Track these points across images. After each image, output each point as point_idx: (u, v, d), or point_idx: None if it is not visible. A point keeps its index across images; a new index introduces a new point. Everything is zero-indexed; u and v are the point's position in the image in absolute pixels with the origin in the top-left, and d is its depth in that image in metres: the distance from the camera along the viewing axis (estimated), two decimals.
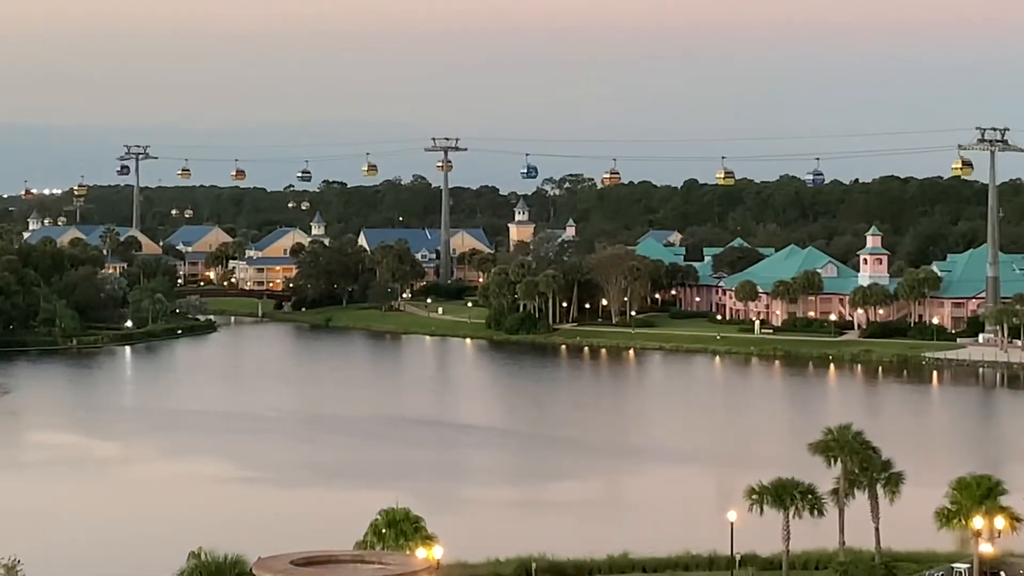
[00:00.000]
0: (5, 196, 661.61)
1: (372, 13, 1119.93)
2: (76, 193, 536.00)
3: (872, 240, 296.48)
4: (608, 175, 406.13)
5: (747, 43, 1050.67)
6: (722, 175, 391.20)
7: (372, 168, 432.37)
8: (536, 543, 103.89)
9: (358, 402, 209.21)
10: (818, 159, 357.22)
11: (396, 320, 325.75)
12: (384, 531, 78.55)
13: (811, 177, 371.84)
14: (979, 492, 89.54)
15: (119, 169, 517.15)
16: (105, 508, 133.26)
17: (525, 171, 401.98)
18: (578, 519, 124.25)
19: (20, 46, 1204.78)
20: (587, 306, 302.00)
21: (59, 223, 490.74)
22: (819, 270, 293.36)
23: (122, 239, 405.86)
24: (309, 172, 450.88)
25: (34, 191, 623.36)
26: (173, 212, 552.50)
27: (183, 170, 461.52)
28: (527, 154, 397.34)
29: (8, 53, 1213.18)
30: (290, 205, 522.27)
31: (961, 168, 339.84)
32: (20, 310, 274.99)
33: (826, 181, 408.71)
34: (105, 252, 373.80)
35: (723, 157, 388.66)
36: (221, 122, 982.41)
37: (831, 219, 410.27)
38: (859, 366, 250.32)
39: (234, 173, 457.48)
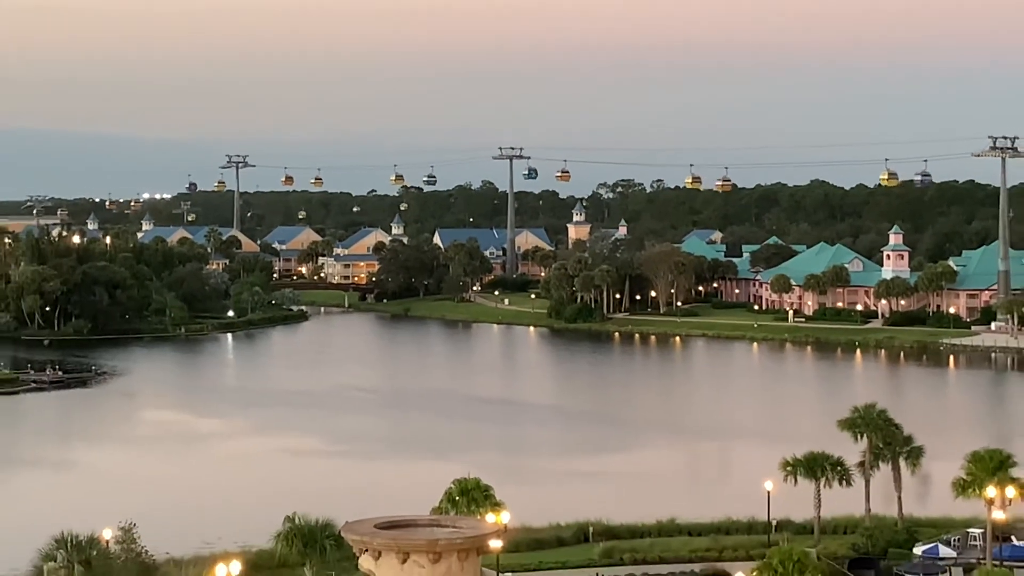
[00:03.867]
0: (121, 200, 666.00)
1: (440, 41, 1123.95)
2: (188, 185, 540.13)
3: (894, 238, 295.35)
4: (720, 182, 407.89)
5: (775, 61, 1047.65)
6: (690, 180, 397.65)
7: (399, 178, 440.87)
8: (592, 509, 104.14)
9: (433, 382, 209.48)
10: (926, 161, 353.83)
11: (467, 310, 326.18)
12: (457, 498, 78.73)
13: (919, 178, 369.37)
14: (992, 464, 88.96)
15: (187, 186, 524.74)
16: (209, 477, 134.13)
17: (527, 173, 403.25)
18: (629, 488, 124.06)
19: (130, 63, 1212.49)
20: (637, 297, 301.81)
21: (188, 218, 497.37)
22: (846, 265, 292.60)
23: (224, 238, 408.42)
24: (434, 177, 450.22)
25: (119, 199, 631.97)
26: (243, 214, 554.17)
27: (286, 177, 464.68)
28: (528, 157, 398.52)
29: (124, 70, 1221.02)
30: (403, 207, 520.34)
31: (887, 179, 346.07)
32: (135, 302, 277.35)
33: (854, 185, 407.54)
34: (209, 250, 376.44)
35: (691, 165, 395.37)
36: (311, 133, 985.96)
37: (857, 219, 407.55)
38: (883, 351, 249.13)
39: (313, 180, 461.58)
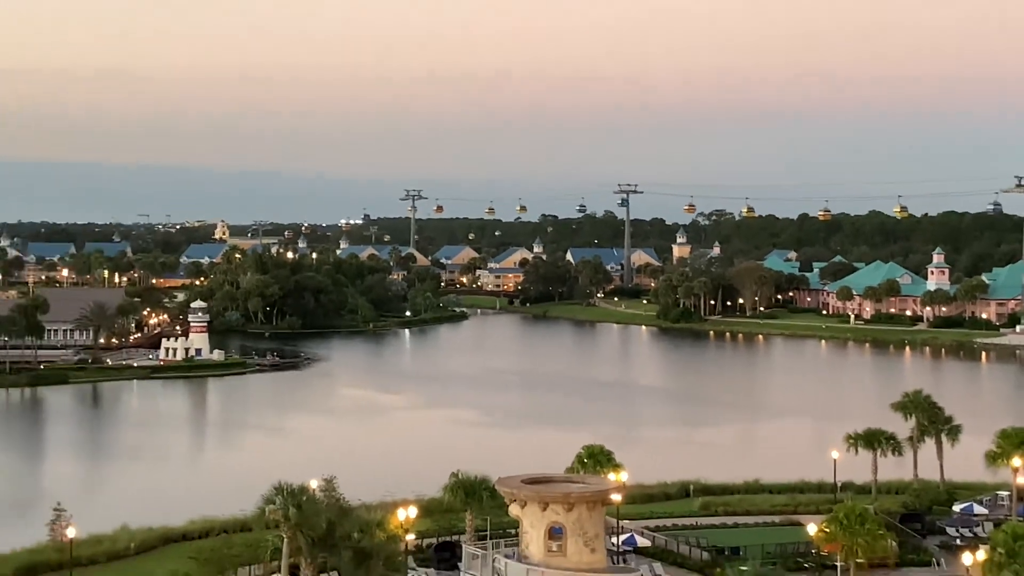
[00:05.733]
0: (324, 225, 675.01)
1: (572, 95, 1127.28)
2: (368, 218, 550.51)
3: (937, 257, 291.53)
4: (822, 212, 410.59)
5: (838, 114, 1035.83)
6: (746, 210, 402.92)
7: (523, 208, 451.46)
8: (692, 470, 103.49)
9: (565, 369, 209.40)
10: (996, 193, 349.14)
11: (592, 312, 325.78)
12: (586, 460, 78.57)
13: (991, 207, 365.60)
14: (1017, 439, 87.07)
15: (363, 217, 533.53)
16: (391, 440, 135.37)
17: (620, 202, 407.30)
18: (722, 454, 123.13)
19: (327, 117, 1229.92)
20: (728, 303, 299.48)
21: (385, 238, 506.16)
22: (898, 279, 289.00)
23: (403, 255, 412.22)
24: (584, 207, 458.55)
25: (321, 223, 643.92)
26: (417, 235, 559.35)
27: (437, 207, 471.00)
28: (642, 192, 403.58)
29: (323, 122, 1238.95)
30: (549, 230, 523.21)
31: (900, 211, 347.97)
32: (335, 304, 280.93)
33: (906, 216, 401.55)
34: (391, 264, 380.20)
35: (747, 198, 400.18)
36: (471, 172, 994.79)
37: (907, 242, 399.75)
38: (927, 348, 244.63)
39: (487, 210, 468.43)
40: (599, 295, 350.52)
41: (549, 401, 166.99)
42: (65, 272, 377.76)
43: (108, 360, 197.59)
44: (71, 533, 74.15)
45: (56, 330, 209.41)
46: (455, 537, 76.24)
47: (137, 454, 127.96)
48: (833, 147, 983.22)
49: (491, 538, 58.06)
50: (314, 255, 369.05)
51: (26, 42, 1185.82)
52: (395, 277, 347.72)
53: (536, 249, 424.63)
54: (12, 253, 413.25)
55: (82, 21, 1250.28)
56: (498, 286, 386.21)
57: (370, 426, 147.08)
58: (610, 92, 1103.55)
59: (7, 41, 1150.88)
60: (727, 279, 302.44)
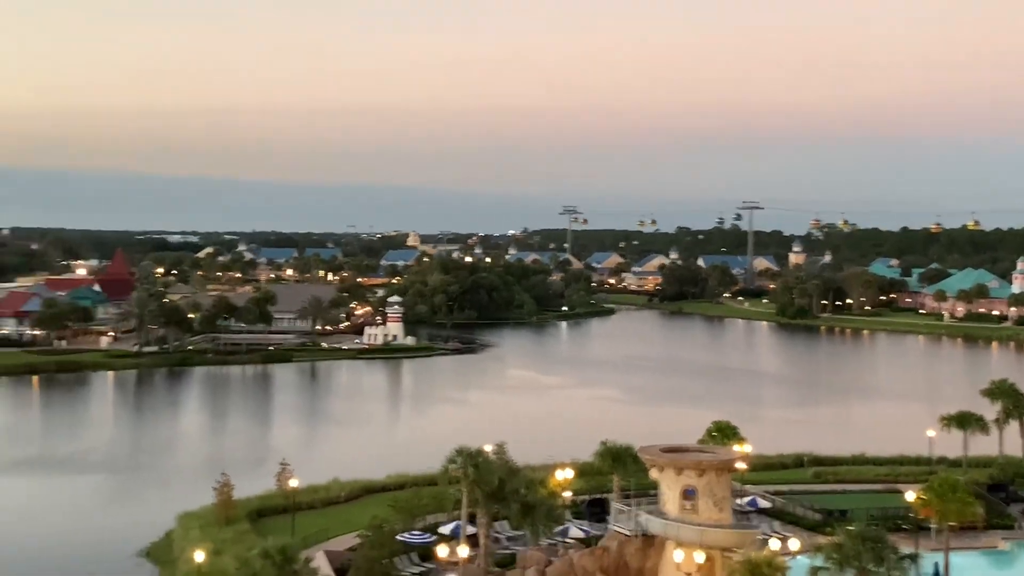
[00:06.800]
0: (496, 234, 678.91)
1: (702, 123, 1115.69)
2: (529, 230, 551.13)
3: (1021, 264, 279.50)
4: (934, 226, 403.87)
5: (933, 139, 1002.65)
6: (842, 222, 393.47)
7: (653, 222, 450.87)
8: (806, 444, 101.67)
9: (698, 356, 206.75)
10: None
11: (720, 309, 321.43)
12: (714, 434, 77.88)
13: None
14: None
15: (523, 230, 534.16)
16: (551, 413, 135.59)
17: (735, 217, 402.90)
18: (832, 430, 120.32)
19: (487, 144, 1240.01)
20: (838, 303, 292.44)
21: (565, 245, 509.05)
22: (987, 283, 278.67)
23: (560, 259, 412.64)
24: (723, 219, 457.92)
25: (492, 233, 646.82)
26: (573, 243, 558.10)
27: (583, 220, 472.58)
28: (763, 208, 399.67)
29: (496, 148, 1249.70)
30: (687, 238, 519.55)
31: (973, 225, 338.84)
32: (504, 299, 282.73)
33: (989, 228, 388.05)
34: (551, 267, 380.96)
35: (842, 212, 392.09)
36: (619, 188, 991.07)
37: (994, 251, 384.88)
38: (1012, 343, 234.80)
39: (639, 223, 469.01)
40: (726, 295, 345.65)
41: (683, 383, 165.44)
42: (289, 272, 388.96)
43: (323, 343, 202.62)
44: (294, 483, 76.49)
45: (282, 318, 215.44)
46: (604, 495, 76.27)
47: (346, 419, 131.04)
48: (932, 168, 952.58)
49: (634, 497, 57.92)
50: (487, 259, 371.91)
51: (279, 86, 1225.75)
52: (554, 278, 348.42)
53: (672, 256, 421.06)
54: (248, 256, 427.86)
55: (316, 67, 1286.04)
56: (640, 286, 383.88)
57: (534, 401, 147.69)
58: (739, 120, 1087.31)
59: (273, 86, 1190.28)
60: (837, 282, 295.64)
